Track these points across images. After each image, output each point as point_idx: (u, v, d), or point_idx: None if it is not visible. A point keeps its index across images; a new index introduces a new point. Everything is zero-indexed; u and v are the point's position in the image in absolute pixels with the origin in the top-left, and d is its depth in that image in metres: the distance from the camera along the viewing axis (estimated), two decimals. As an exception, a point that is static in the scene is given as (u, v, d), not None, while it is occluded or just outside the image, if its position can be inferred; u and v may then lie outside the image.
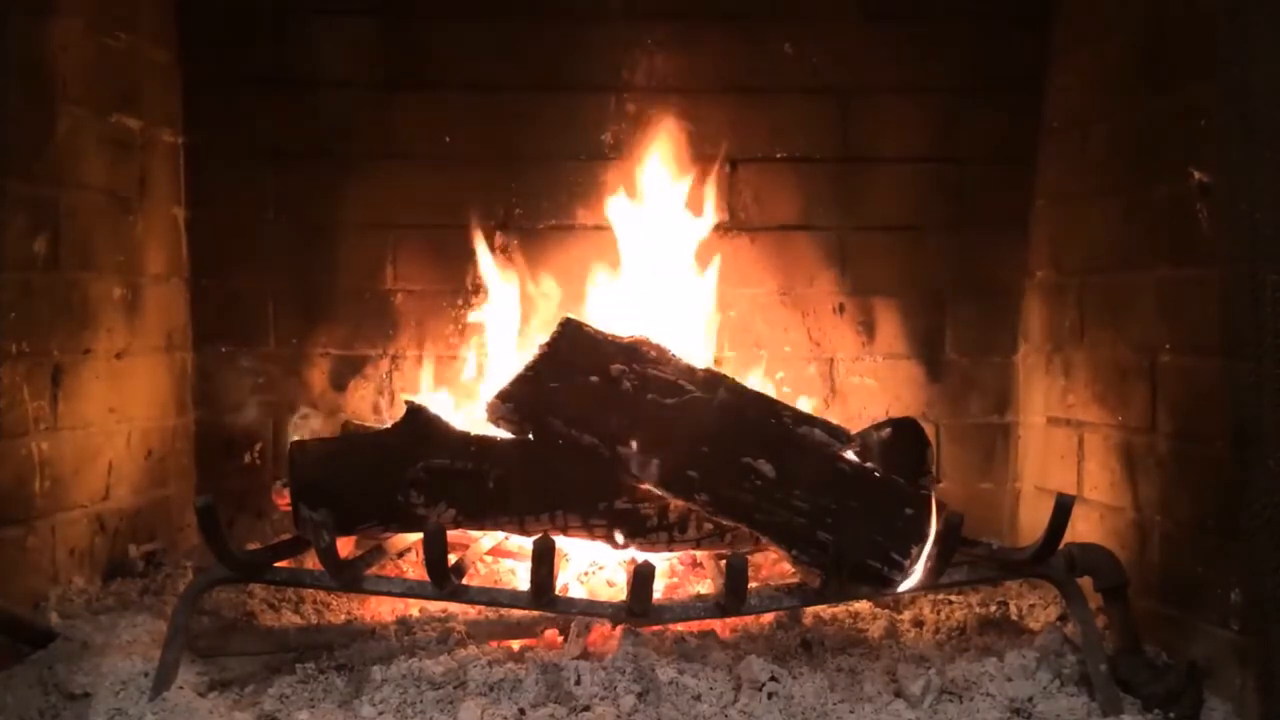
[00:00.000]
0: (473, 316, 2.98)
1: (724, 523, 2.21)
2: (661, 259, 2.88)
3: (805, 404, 2.88)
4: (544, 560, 2.00)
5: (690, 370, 2.25)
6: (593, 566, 2.56)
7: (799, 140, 3.02)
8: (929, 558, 2.08)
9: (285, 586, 2.41)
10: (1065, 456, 2.72)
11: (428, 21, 2.99)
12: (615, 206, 2.91)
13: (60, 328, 2.45)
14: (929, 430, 2.61)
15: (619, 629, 2.14)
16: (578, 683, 2.02)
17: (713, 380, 2.24)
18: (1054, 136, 2.87)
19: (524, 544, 2.38)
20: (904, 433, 2.30)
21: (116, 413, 2.65)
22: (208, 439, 3.03)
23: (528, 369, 2.25)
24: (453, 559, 2.15)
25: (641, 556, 2.17)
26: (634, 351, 2.24)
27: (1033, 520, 2.89)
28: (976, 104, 2.99)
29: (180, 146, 2.97)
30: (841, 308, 3.05)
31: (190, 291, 3.01)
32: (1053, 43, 2.88)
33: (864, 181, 3.02)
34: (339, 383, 3.04)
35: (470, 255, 2.96)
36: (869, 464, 2.17)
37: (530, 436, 2.23)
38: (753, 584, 2.15)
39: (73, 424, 2.48)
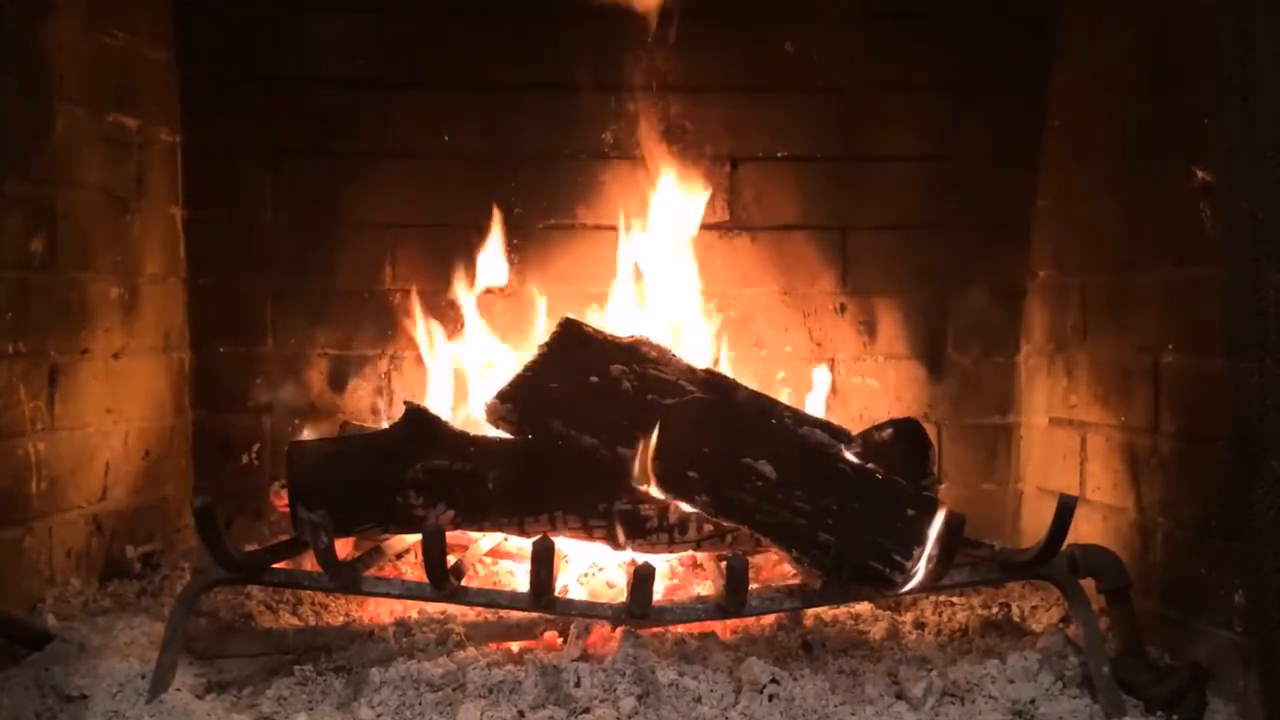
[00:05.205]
0: (473, 317, 2.97)
1: (724, 524, 2.20)
2: (662, 259, 2.87)
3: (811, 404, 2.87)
4: (543, 562, 1.99)
5: (690, 370, 2.24)
6: (593, 568, 2.55)
7: (800, 139, 3.02)
8: (930, 559, 2.07)
9: (283, 588, 2.41)
10: (1068, 457, 2.71)
11: (427, 20, 2.98)
12: (617, 206, 2.91)
13: (57, 328, 2.44)
14: (930, 431, 2.60)
15: (619, 631, 2.14)
16: (577, 685, 2.01)
17: (713, 380, 2.23)
18: (1056, 136, 2.86)
19: (523, 545, 2.37)
20: (905, 433, 2.29)
21: (114, 413, 2.64)
22: (205, 439, 3.02)
23: (527, 369, 2.24)
24: (451, 560, 2.14)
25: (641, 558, 2.16)
26: (634, 351, 2.23)
27: (1035, 521, 2.88)
28: (978, 103, 2.98)
29: (178, 145, 2.97)
30: (843, 308, 3.04)
31: (188, 291, 3.00)
32: (1055, 42, 2.87)
33: (865, 181, 3.01)
34: (338, 383, 3.03)
35: (469, 255, 2.95)
36: (870, 465, 2.16)
37: (529, 437, 2.22)
38: (753, 585, 2.14)
39: (70, 424, 2.47)
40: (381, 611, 2.42)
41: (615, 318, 2.82)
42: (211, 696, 2.04)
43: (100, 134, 2.61)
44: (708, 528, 2.23)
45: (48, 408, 2.40)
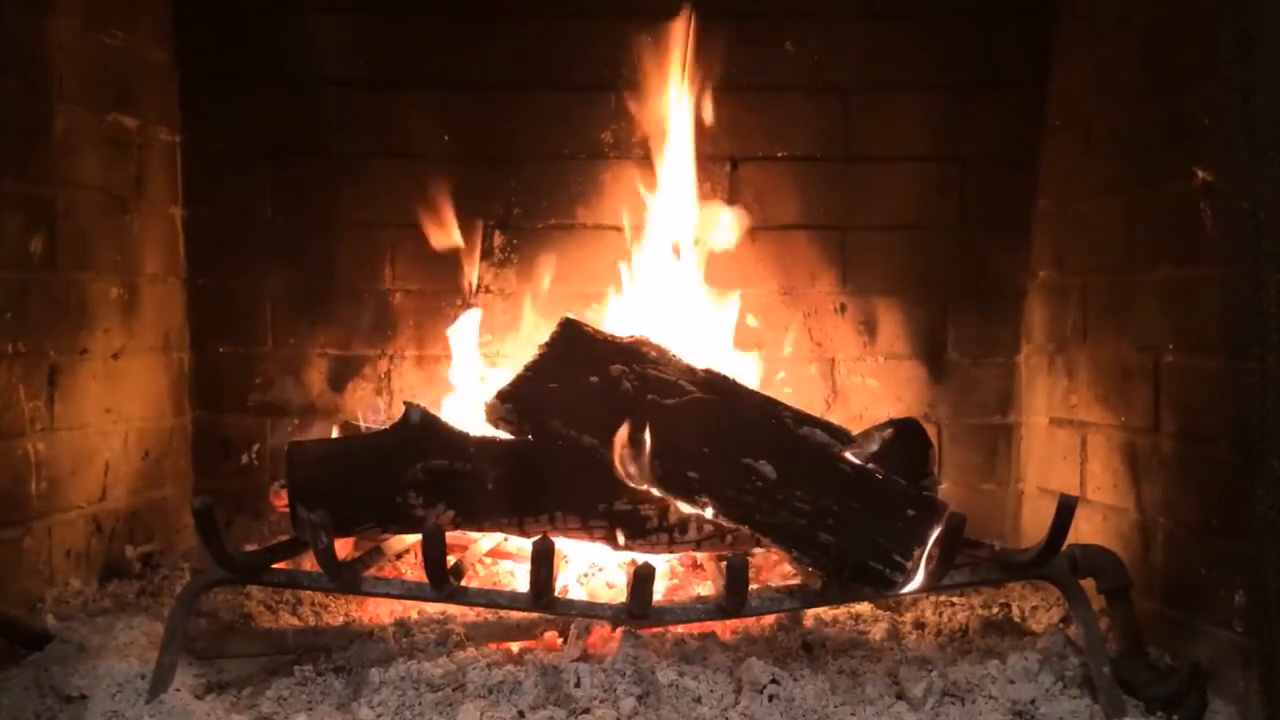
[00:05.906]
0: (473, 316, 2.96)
1: (724, 524, 2.20)
2: (662, 259, 2.87)
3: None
4: (543, 562, 1.99)
5: (690, 370, 2.24)
6: (592, 568, 2.55)
7: (800, 139, 3.02)
8: (931, 559, 2.07)
9: (283, 588, 2.40)
10: (1068, 457, 2.71)
11: (426, 19, 2.98)
12: (617, 206, 2.90)
13: (57, 328, 2.44)
14: (931, 431, 2.60)
15: (619, 631, 2.13)
16: (577, 685, 2.01)
17: (713, 380, 2.23)
18: (1057, 135, 2.86)
19: (523, 545, 2.37)
20: (906, 434, 2.29)
21: (113, 413, 2.64)
22: (205, 439, 3.02)
23: (527, 369, 2.24)
24: (451, 560, 2.14)
25: (641, 558, 2.15)
26: (634, 351, 2.23)
27: (1035, 521, 2.88)
28: (979, 102, 2.98)
29: (177, 145, 2.97)
30: (843, 308, 3.04)
31: (187, 291, 3.00)
32: (1055, 41, 2.87)
33: (865, 180, 3.01)
34: (338, 383, 3.03)
35: (469, 255, 2.95)
36: (870, 465, 2.16)
37: (530, 437, 2.22)
38: (753, 586, 2.14)
39: (69, 425, 2.47)
40: (381, 611, 2.42)
41: (616, 318, 2.82)
42: (211, 696, 2.04)
43: (100, 134, 2.61)
44: (708, 528, 2.23)
45: (47, 408, 2.40)
